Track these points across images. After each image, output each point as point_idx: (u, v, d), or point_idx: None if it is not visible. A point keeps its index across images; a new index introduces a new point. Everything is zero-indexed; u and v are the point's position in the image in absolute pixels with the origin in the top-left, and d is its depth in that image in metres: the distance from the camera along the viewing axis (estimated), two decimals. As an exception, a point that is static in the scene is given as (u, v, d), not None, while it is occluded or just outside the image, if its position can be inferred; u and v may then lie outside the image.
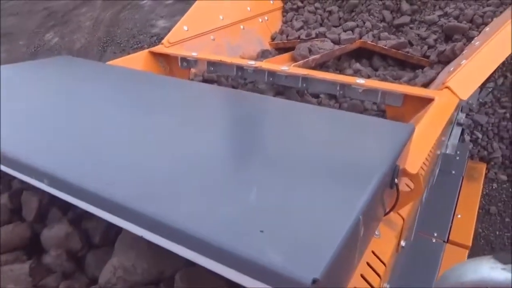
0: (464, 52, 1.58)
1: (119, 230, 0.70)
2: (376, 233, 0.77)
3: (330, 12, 2.24)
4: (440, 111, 1.05)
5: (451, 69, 1.38)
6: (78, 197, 0.56)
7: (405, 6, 2.03)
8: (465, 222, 2.00)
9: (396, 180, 0.67)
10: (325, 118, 0.80)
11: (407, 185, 0.84)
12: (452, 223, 1.98)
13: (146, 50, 1.54)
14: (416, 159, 0.82)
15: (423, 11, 2.00)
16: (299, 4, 2.35)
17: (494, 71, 3.16)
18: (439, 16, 1.91)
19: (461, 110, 2.65)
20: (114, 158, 0.63)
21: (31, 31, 6.05)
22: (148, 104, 0.88)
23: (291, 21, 2.29)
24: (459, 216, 2.02)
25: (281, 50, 2.09)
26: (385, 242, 0.79)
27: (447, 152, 2.22)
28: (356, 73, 1.63)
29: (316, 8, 2.30)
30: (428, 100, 1.11)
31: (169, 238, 0.48)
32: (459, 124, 2.51)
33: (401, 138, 0.70)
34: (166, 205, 0.51)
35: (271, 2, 2.31)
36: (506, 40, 1.32)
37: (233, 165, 0.62)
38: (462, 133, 2.87)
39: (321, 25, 2.22)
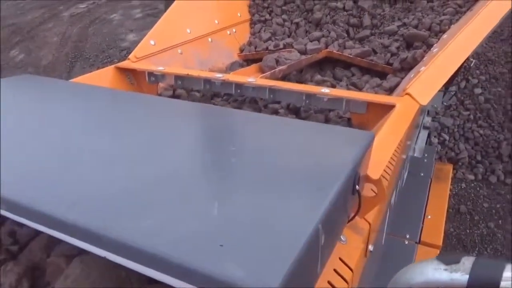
0: (424, 59, 1.65)
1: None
2: (342, 239, 0.79)
3: (297, 25, 2.29)
4: (401, 117, 1.09)
5: (412, 76, 1.44)
6: (38, 222, 0.55)
7: (366, 21, 2.11)
8: (435, 223, 2.06)
9: (357, 186, 0.69)
10: (287, 128, 0.82)
11: (373, 190, 0.87)
12: (423, 224, 2.03)
13: (113, 66, 1.53)
14: (378, 165, 0.85)
15: (383, 24, 2.08)
16: (267, 16, 2.40)
17: (456, 75, 3.31)
18: (398, 27, 1.99)
19: (428, 114, 2.75)
20: (72, 179, 0.62)
21: (-5, 48, 5.87)
22: (111, 121, 0.87)
23: (259, 32, 2.33)
24: (429, 217, 2.08)
25: (250, 61, 2.11)
26: (351, 247, 0.80)
27: (415, 155, 2.30)
28: (320, 84, 1.67)
29: (284, 20, 2.35)
30: (390, 107, 1.15)
31: (131, 259, 0.48)
32: (425, 127, 2.60)
33: (360, 146, 0.72)
34: (125, 225, 0.50)
35: (238, 14, 2.34)
36: (462, 46, 1.39)
37: (195, 180, 0.63)
38: (429, 136, 2.97)
39: (288, 36, 2.27)
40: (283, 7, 2.37)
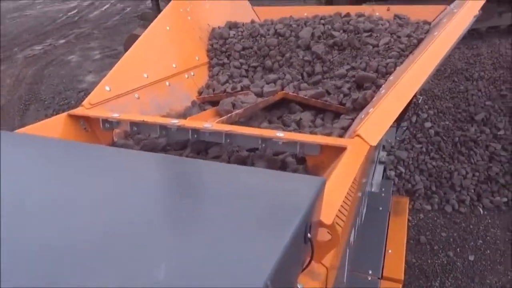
0: (373, 100, 1.74)
1: None
2: (299, 287, 0.78)
3: (255, 68, 2.37)
4: (352, 159, 1.12)
5: (362, 117, 1.50)
6: None
7: (317, 68, 2.23)
8: (396, 257, 2.10)
9: (309, 235, 0.70)
10: (240, 176, 0.81)
11: (329, 233, 0.88)
12: (384, 258, 2.07)
13: (65, 114, 1.49)
14: (331, 209, 0.87)
15: (333, 69, 2.20)
16: (225, 60, 2.46)
17: (406, 111, 3.50)
18: (347, 70, 2.11)
19: (383, 149, 2.87)
20: (8, 242, 0.59)
21: None
22: (56, 174, 0.84)
23: (217, 75, 2.38)
24: (390, 251, 2.12)
25: (208, 103, 2.14)
26: (309, 294, 0.80)
27: (373, 190, 2.37)
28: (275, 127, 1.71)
29: (241, 64, 2.42)
30: (342, 149, 1.19)
31: None
32: (381, 162, 2.70)
33: (311, 192, 0.73)
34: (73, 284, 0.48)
35: (197, 58, 2.39)
36: (408, 85, 1.48)
37: (144, 239, 0.61)
38: (385, 170, 3.09)
39: (246, 77, 2.33)
40: (241, 52, 2.45)
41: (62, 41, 7.65)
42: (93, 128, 1.54)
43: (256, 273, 0.50)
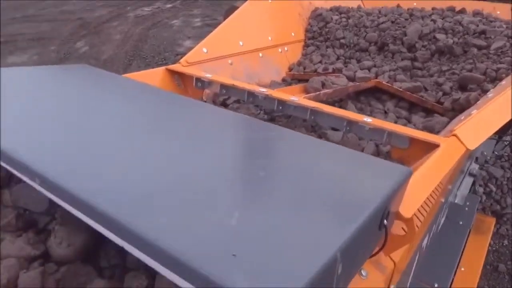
0: (477, 103, 1.58)
1: None
2: (363, 273, 0.75)
3: (351, 54, 2.29)
4: (444, 158, 1.03)
5: (462, 118, 1.37)
6: (66, 201, 0.57)
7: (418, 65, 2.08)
8: (467, 276, 1.93)
9: (385, 221, 0.66)
10: (326, 152, 0.80)
11: (403, 229, 0.83)
12: (454, 275, 1.91)
13: (163, 67, 1.59)
14: (412, 204, 0.81)
15: (432, 68, 2.03)
16: (322, 43, 2.40)
17: (510, 125, 3.13)
18: (446, 71, 1.94)
19: (476, 161, 2.61)
20: (107, 167, 0.64)
21: (64, 38, 6.30)
22: (154, 119, 0.90)
23: (310, 54, 2.33)
24: (462, 269, 1.95)
25: (297, 81, 2.12)
26: (371, 284, 0.77)
27: (456, 201, 2.18)
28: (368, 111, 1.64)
29: (338, 51, 2.35)
30: (434, 146, 1.10)
31: (144, 251, 0.48)
32: (471, 174, 2.46)
33: (395, 180, 0.69)
34: (146, 218, 0.51)
35: (292, 34, 2.37)
36: (521, 95, 1.31)
37: (224, 187, 0.63)
38: (473, 184, 2.81)
39: (339, 61, 2.26)
40: (341, 40, 2.36)
41: (169, 5, 8.11)
42: (185, 85, 1.61)
43: (329, 242, 0.49)
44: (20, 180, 0.86)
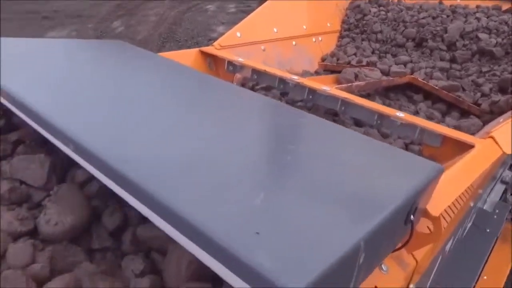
0: (519, 106, 1.51)
1: None
2: (383, 268, 0.74)
3: (386, 48, 2.22)
4: (478, 160, 0.99)
5: (501, 121, 1.31)
6: (98, 168, 0.59)
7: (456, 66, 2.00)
8: (490, 286, 1.87)
9: (412, 217, 0.64)
10: (356, 142, 0.79)
11: (428, 228, 0.80)
12: (476, 283, 1.85)
13: (197, 49, 1.60)
14: (440, 203, 0.78)
15: (471, 68, 1.95)
16: (358, 36, 2.35)
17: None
18: (486, 72, 1.86)
19: (510, 168, 2.50)
20: (139, 139, 0.65)
21: (101, 17, 6.43)
22: (189, 98, 0.91)
23: (345, 46, 2.28)
24: (485, 277, 1.88)
25: (329, 72, 2.08)
26: (391, 280, 0.75)
27: (485, 207, 2.09)
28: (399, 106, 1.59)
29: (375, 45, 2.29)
30: (468, 146, 1.06)
31: (169, 222, 0.49)
32: (503, 182, 2.36)
33: (426, 176, 0.67)
34: (174, 190, 0.51)
35: (328, 24, 2.32)
36: None
37: (252, 168, 0.62)
38: (505, 192, 2.70)
39: (374, 54, 2.20)
40: (378, 35, 2.30)
41: (205, -10, 8.15)
42: (217, 68, 1.62)
43: (354, 231, 0.48)
44: (19, 153, 0.88)
